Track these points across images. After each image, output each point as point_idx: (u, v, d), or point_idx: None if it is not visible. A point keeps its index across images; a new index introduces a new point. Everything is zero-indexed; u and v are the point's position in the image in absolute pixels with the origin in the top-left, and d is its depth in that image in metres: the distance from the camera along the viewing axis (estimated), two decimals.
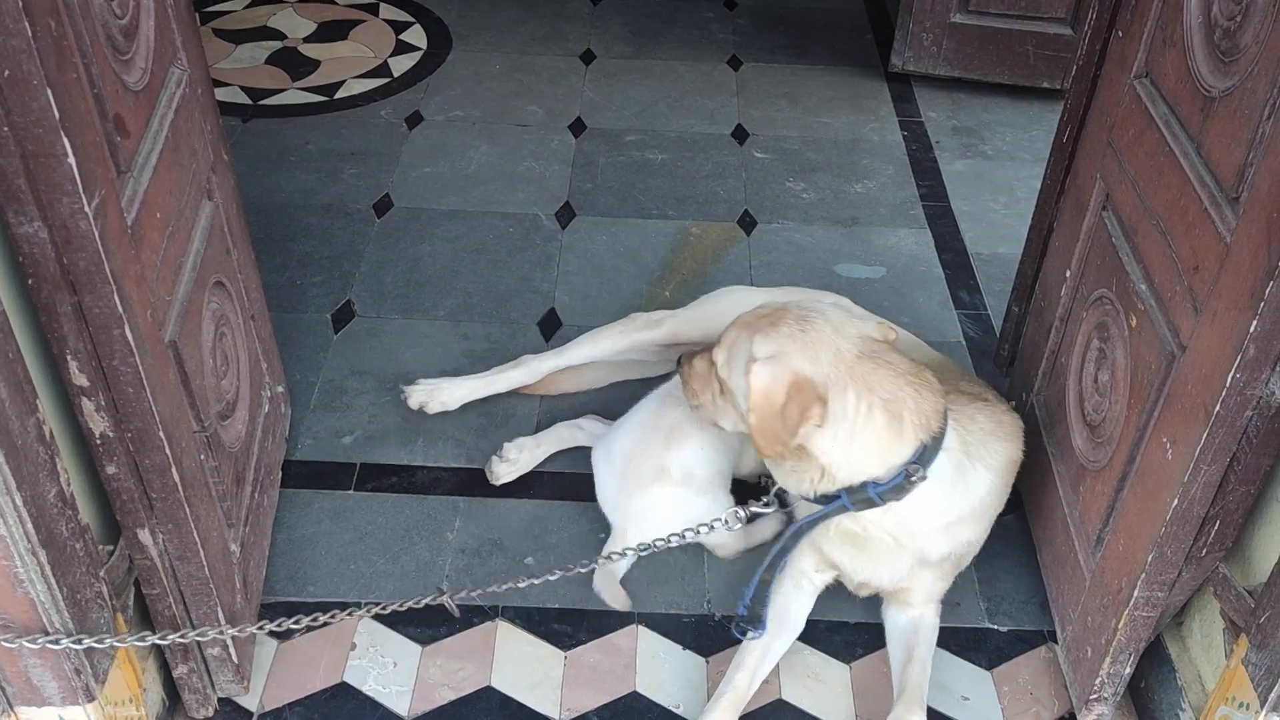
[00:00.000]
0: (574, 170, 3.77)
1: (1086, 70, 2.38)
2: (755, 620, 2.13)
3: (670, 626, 2.34)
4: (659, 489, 2.32)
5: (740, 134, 4.01)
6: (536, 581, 1.98)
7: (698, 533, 2.12)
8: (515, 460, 2.57)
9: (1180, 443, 1.79)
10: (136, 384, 1.66)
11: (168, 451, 1.75)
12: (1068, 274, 2.37)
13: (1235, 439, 1.70)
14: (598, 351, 2.68)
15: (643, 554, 2.11)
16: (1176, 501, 1.78)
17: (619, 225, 3.52)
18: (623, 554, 2.10)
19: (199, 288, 2.01)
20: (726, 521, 2.15)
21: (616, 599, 2.32)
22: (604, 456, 2.40)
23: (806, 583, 2.29)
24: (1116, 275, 2.11)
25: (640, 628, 2.34)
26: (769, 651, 2.21)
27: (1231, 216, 1.69)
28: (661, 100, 4.19)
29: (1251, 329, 1.59)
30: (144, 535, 1.81)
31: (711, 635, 2.33)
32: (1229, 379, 1.64)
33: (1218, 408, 1.67)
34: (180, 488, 1.80)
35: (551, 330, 3.09)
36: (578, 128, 4.00)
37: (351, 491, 2.61)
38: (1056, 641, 2.30)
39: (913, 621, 2.25)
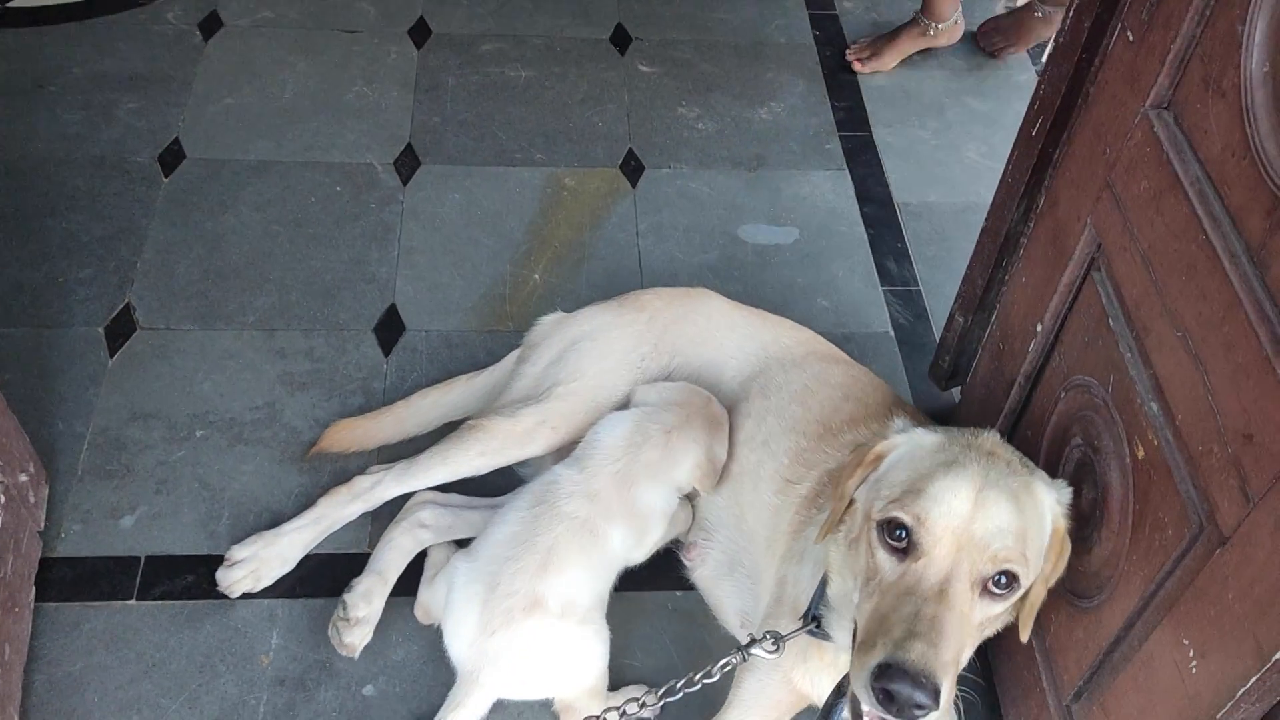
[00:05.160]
0: (417, 96, 3.05)
1: (1070, 51, 1.80)
2: None
3: None
4: (531, 622, 1.81)
5: (621, 38, 3.30)
6: None
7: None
8: (365, 616, 1.98)
9: (1211, 659, 1.34)
10: None
11: None
12: (1039, 328, 1.86)
13: None
14: (452, 475, 2.09)
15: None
16: None
17: (474, 176, 2.86)
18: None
19: None
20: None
21: None
22: (462, 586, 1.85)
23: None
24: (1113, 373, 1.60)
25: None
26: None
27: None
28: None
29: None
30: None
31: None
32: None
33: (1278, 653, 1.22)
34: None
35: (392, 339, 2.48)
36: (420, 33, 3.24)
37: (133, 602, 2.04)
38: None
39: None
